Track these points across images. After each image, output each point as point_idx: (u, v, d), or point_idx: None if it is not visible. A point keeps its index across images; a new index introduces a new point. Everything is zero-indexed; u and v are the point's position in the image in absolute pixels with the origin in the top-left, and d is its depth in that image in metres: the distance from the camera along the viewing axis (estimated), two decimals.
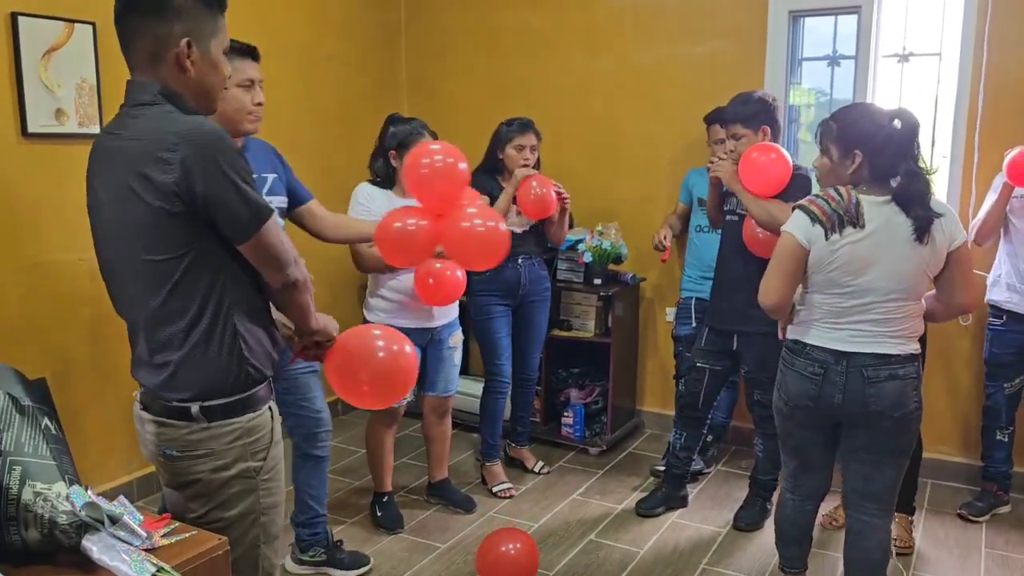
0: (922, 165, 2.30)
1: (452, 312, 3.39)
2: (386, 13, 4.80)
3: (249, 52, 2.40)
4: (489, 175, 3.63)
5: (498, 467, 3.78)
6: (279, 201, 2.63)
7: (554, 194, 3.47)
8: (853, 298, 2.34)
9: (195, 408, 1.66)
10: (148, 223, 1.56)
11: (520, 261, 3.64)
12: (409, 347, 1.98)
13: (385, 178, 3.23)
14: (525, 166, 3.56)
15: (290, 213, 2.71)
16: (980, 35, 3.54)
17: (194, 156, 1.52)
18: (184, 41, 1.57)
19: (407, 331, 3.21)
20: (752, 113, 3.13)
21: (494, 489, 3.69)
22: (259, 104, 2.40)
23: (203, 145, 1.53)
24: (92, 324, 3.34)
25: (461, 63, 4.75)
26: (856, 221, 2.27)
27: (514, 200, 3.52)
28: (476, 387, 4.52)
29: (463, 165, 2.68)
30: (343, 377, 1.92)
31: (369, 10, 4.64)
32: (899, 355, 2.34)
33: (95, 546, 1.51)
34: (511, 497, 3.64)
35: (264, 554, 1.77)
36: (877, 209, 2.27)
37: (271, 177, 2.60)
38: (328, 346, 1.88)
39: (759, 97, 3.16)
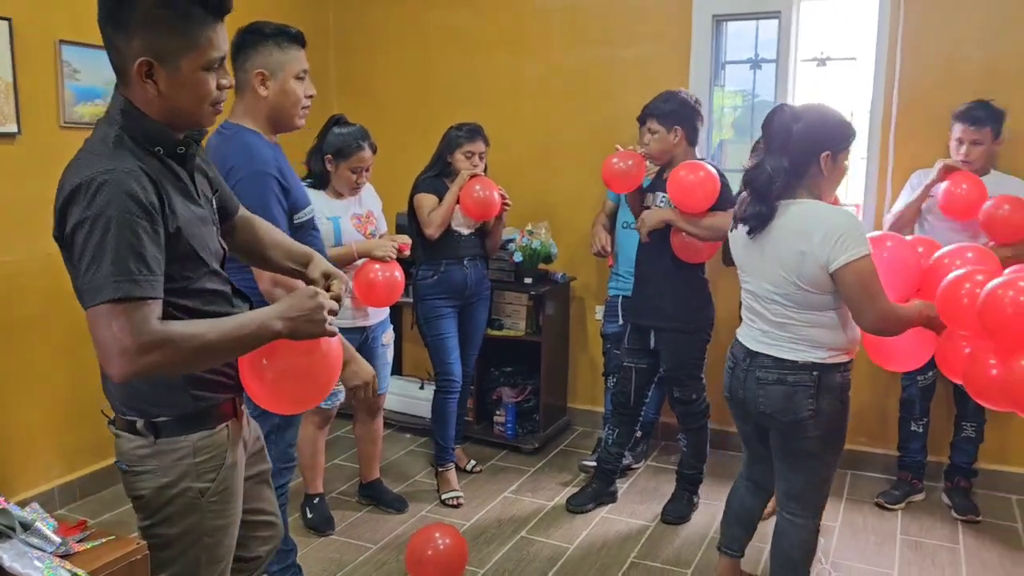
0: (783, 163, 2.29)
1: (384, 310, 3.38)
2: (314, 11, 4.75)
3: (298, 39, 2.27)
4: (437, 178, 3.64)
5: (452, 473, 3.73)
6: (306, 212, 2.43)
7: (496, 196, 3.50)
8: (749, 297, 2.44)
9: (140, 423, 1.61)
10: None
11: (466, 263, 3.66)
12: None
13: (319, 178, 3.21)
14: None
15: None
16: (893, 41, 3.68)
17: (63, 204, 1.44)
18: (140, 61, 1.45)
19: (341, 331, 3.23)
20: (669, 111, 3.21)
21: (444, 497, 3.64)
22: (311, 96, 2.29)
23: (90, 192, 1.40)
24: (10, 329, 3.23)
25: (390, 62, 4.73)
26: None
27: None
28: (408, 387, 4.54)
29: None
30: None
31: (297, 9, 4.58)
32: (793, 361, 2.34)
33: (6, 554, 1.48)
34: (459, 506, 3.60)
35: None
36: None
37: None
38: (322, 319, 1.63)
39: (681, 98, 3.24)
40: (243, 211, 1.87)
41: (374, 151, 3.22)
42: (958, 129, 3.37)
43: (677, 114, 3.22)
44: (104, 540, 1.63)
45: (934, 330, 2.37)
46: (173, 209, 1.50)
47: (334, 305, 1.61)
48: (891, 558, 3.19)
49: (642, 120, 3.33)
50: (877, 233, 2.57)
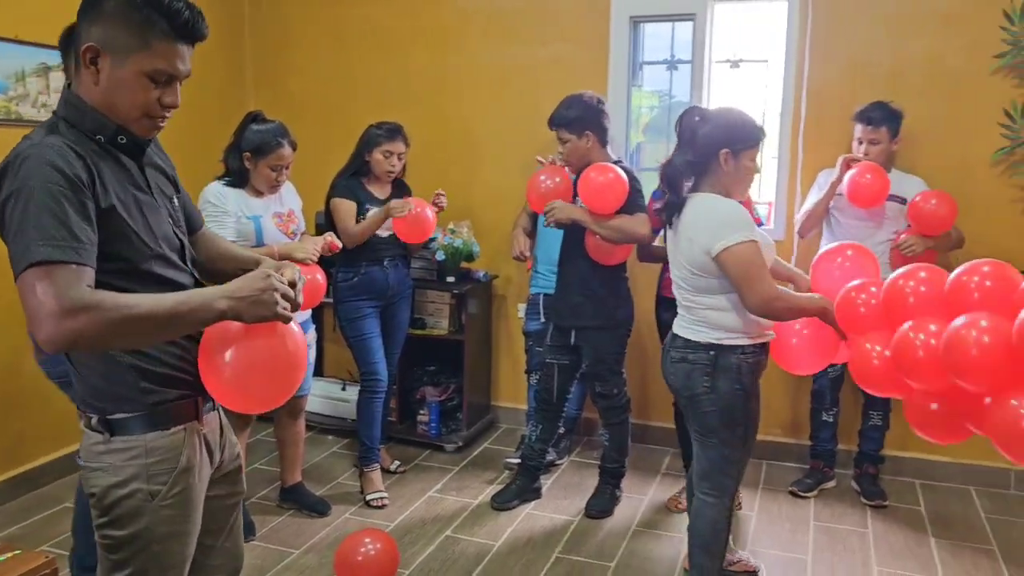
0: (688, 159, 2.51)
1: (306, 311, 3.32)
2: (230, 6, 4.63)
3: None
4: (354, 177, 3.59)
5: (376, 474, 3.68)
6: None
7: (430, 214, 3.51)
8: (673, 285, 2.62)
9: (94, 419, 1.58)
10: None
11: (387, 263, 3.64)
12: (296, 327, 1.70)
13: (238, 177, 3.13)
14: (390, 173, 3.58)
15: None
16: (801, 44, 3.80)
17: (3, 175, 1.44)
18: (87, 45, 1.47)
19: None
20: (575, 118, 3.23)
21: (368, 498, 3.60)
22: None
23: (15, 166, 1.43)
24: None
25: (308, 59, 4.66)
26: None
27: (380, 202, 3.53)
28: (330, 388, 4.47)
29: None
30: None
31: (212, 3, 4.43)
32: (695, 341, 2.52)
33: None
34: (384, 507, 3.56)
35: None
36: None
37: None
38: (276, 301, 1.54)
39: (584, 101, 3.26)
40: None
41: (294, 148, 3.16)
42: (858, 129, 3.52)
43: (584, 119, 3.24)
44: (9, 555, 1.56)
45: (830, 324, 2.46)
46: (105, 186, 1.49)
47: (287, 290, 1.54)
48: (805, 544, 3.30)
49: (552, 128, 3.35)
50: (835, 244, 2.68)
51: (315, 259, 3.10)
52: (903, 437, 3.87)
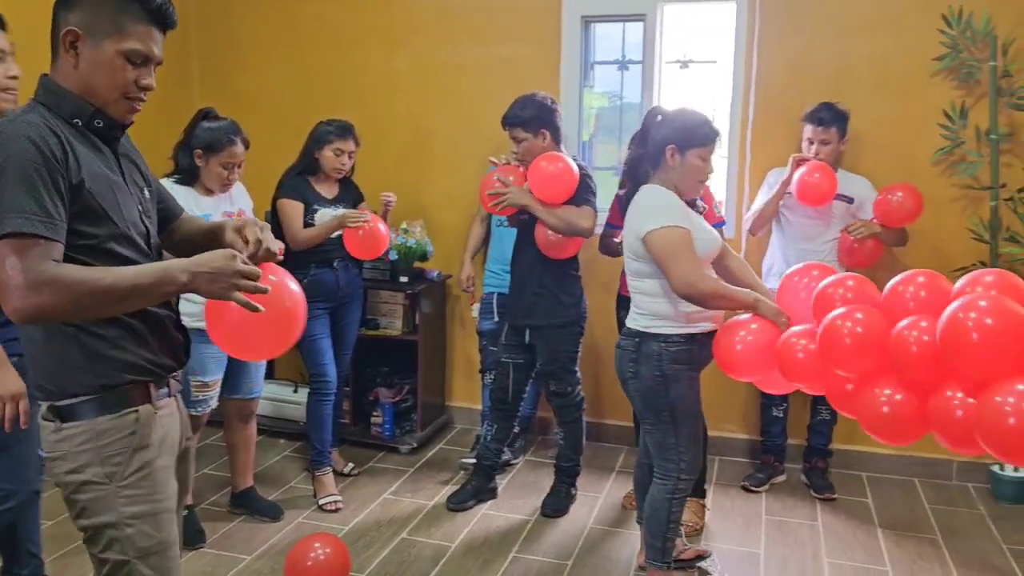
0: (642, 153, 2.69)
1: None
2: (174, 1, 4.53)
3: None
4: (301, 176, 3.54)
5: (328, 477, 3.64)
6: None
7: (383, 227, 3.48)
8: None
9: (43, 408, 1.61)
10: None
11: (336, 265, 3.60)
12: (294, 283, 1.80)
13: (188, 174, 3.07)
14: (340, 171, 3.55)
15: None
16: (749, 45, 3.86)
17: None
18: (67, 29, 1.54)
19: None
20: (531, 117, 3.25)
21: (321, 502, 3.54)
22: (12, 77, 2.12)
23: None
24: None
25: (258, 57, 4.58)
26: None
27: (335, 204, 3.48)
28: (281, 391, 4.41)
29: None
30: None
31: None
32: (628, 328, 2.70)
33: None
34: (337, 510, 3.52)
35: (138, 570, 1.60)
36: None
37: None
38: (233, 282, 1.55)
39: (538, 101, 3.28)
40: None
41: (246, 146, 3.11)
42: (808, 130, 3.58)
43: (539, 118, 3.26)
44: None
45: (762, 315, 2.52)
46: (79, 163, 1.52)
47: (253, 270, 1.54)
48: (758, 538, 3.35)
49: (506, 128, 3.35)
50: (800, 265, 2.70)
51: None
52: (850, 431, 3.95)
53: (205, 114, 3.11)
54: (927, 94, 3.68)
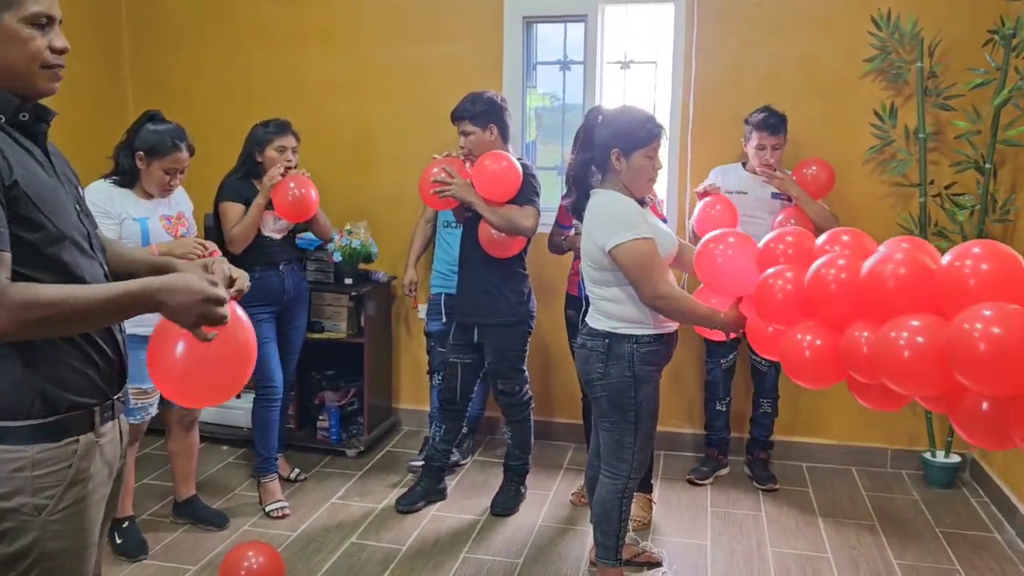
0: (588, 158, 2.67)
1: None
2: (104, 1, 4.42)
3: None
4: (245, 179, 3.49)
5: (274, 484, 3.58)
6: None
7: (313, 194, 3.40)
8: None
9: None
10: None
11: (282, 268, 3.55)
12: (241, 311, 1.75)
13: (127, 176, 2.99)
14: (288, 167, 3.48)
15: None
16: (688, 47, 3.93)
17: None
18: None
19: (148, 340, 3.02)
20: (480, 112, 3.27)
21: (267, 508, 3.49)
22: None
23: None
24: None
25: (193, 55, 4.48)
26: None
27: (270, 206, 3.41)
28: None
29: None
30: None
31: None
32: (594, 328, 2.68)
33: None
34: (284, 517, 3.47)
35: None
36: None
37: None
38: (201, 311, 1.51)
39: (488, 97, 3.31)
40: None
41: (191, 153, 3.04)
42: (757, 137, 3.61)
43: (489, 113, 3.29)
44: None
45: (718, 328, 2.59)
46: (8, 161, 1.43)
47: (222, 295, 1.49)
48: (704, 530, 3.41)
49: (455, 121, 3.36)
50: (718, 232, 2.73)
51: (195, 257, 2.97)
52: (791, 423, 4.06)
53: (151, 116, 3.03)
54: (858, 94, 3.80)
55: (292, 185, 3.38)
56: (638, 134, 2.56)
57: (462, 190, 3.25)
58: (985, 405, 1.96)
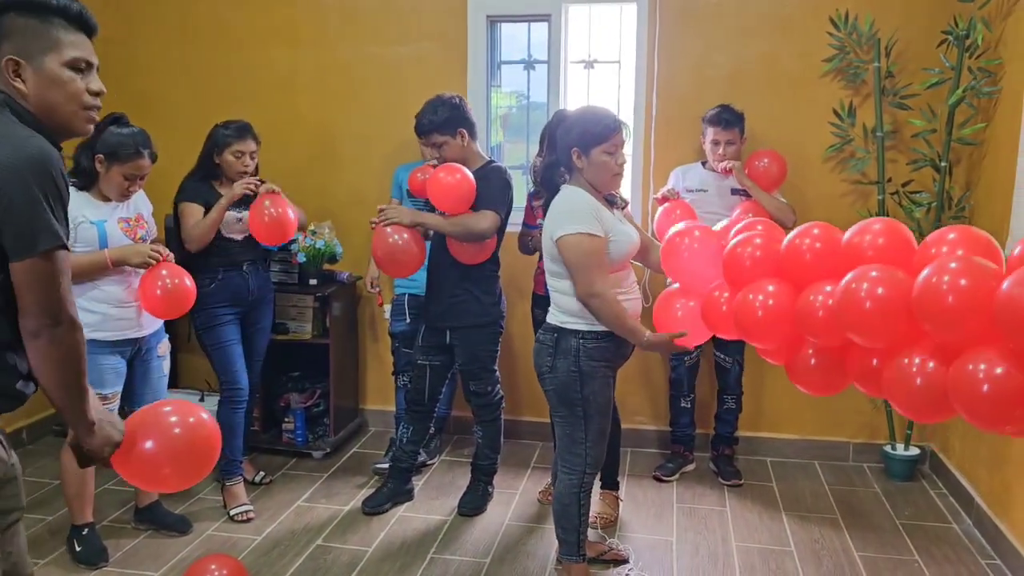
0: (553, 158, 2.76)
1: (158, 320, 3.15)
2: None
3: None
4: (204, 181, 3.44)
5: (239, 487, 3.55)
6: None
7: (291, 214, 3.37)
8: None
9: None
10: None
11: (246, 268, 3.52)
12: (207, 415, 1.90)
13: (85, 178, 2.94)
14: (244, 173, 3.44)
15: None
16: (651, 47, 3.96)
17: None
18: (7, 59, 1.57)
19: (112, 343, 2.98)
20: (445, 119, 3.24)
21: (232, 512, 3.46)
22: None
23: (18, 159, 1.49)
24: None
25: (154, 56, 4.42)
26: None
27: (238, 207, 3.38)
28: (187, 400, 4.26)
29: None
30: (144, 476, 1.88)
31: None
32: (547, 323, 2.76)
33: None
34: (249, 520, 3.44)
35: None
36: None
37: None
38: (108, 455, 1.75)
39: (447, 101, 3.26)
40: None
41: (154, 160, 2.99)
42: (711, 132, 3.68)
43: (453, 119, 3.25)
44: None
45: (644, 348, 2.68)
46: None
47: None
48: (670, 526, 3.44)
49: (423, 136, 3.33)
50: (682, 225, 2.78)
51: (152, 264, 2.94)
52: (755, 419, 4.11)
53: (116, 119, 2.97)
54: (818, 94, 3.85)
55: (267, 204, 3.32)
56: (594, 131, 2.59)
57: (404, 215, 3.23)
58: (922, 369, 2.04)
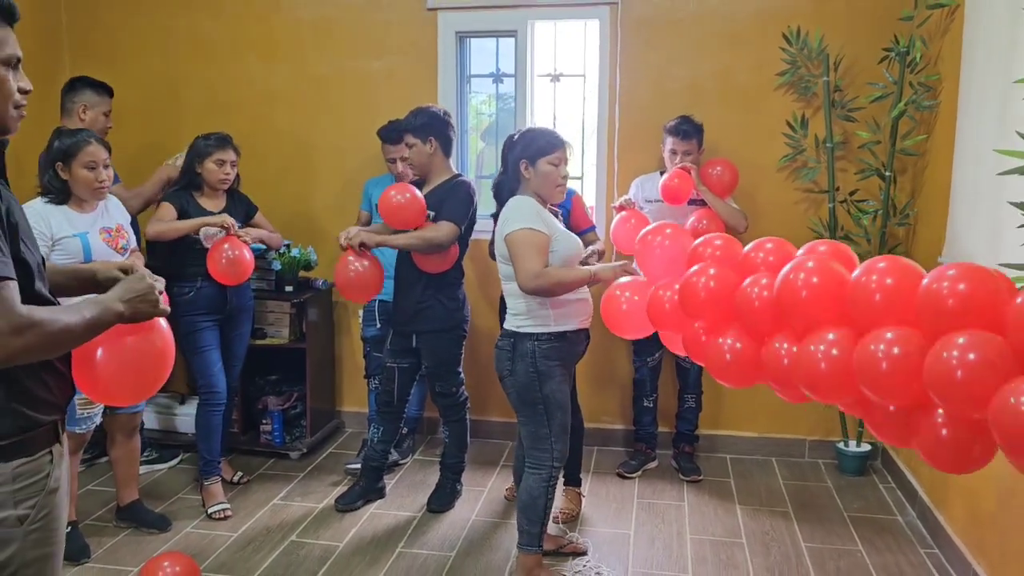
0: (506, 172, 2.98)
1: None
2: (46, 12, 4.47)
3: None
4: (185, 189, 3.59)
5: (217, 486, 3.69)
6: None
7: (247, 255, 3.52)
8: None
9: None
10: None
11: None
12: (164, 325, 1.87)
13: (59, 192, 3.06)
14: (225, 181, 3.60)
15: None
16: (613, 61, 4.12)
17: None
18: None
19: None
20: (421, 124, 3.41)
21: (210, 510, 3.60)
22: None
23: None
24: None
25: (135, 69, 4.54)
26: None
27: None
28: (167, 403, 4.41)
29: None
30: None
31: (25, 7, 4.27)
32: (504, 329, 2.96)
33: None
34: (226, 518, 3.58)
35: None
36: None
37: None
38: (156, 299, 1.71)
39: (431, 111, 3.45)
40: None
41: (107, 148, 3.11)
42: (670, 142, 3.85)
43: (429, 126, 3.42)
44: None
45: (604, 279, 2.87)
46: (9, 205, 1.51)
47: (161, 284, 1.69)
48: (629, 520, 3.60)
49: (397, 138, 3.53)
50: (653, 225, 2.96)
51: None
52: (715, 418, 4.28)
53: (58, 132, 3.12)
54: (771, 106, 4.03)
55: (227, 247, 3.47)
56: (539, 144, 2.88)
57: (363, 237, 3.37)
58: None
